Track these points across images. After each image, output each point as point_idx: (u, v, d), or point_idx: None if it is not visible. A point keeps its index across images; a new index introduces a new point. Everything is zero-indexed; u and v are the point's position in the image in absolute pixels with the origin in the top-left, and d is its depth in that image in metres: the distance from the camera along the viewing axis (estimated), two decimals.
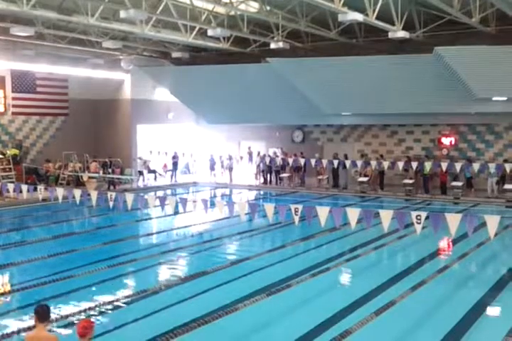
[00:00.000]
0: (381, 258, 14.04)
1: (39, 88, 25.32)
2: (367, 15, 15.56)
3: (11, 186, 14.73)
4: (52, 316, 8.82)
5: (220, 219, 17.18)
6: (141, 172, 26.08)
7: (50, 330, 6.90)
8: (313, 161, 22.80)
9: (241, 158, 27.14)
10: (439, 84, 20.41)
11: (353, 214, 10.31)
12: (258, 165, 27.20)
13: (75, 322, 8.78)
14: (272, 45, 20.76)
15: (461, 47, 18.75)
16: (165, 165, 28.32)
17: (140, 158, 26.23)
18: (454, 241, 14.46)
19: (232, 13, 19.15)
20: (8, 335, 8.22)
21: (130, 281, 11.75)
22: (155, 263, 12.69)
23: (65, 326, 8.57)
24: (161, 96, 28.46)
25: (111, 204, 12.83)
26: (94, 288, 10.58)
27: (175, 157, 27.32)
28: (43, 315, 5.67)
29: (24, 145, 24.81)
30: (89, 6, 16.73)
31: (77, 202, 13.49)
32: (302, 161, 23.49)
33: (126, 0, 15.28)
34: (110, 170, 25.18)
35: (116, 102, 27.77)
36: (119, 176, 25.33)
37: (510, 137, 23.55)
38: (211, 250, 14.10)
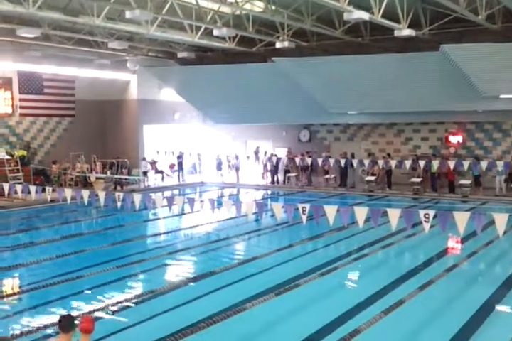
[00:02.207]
0: (389, 257, 14.00)
1: (46, 89, 25.40)
2: (372, 13, 15.51)
3: (19, 187, 14.78)
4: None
5: (227, 219, 17.19)
6: (145, 173, 26.09)
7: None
8: (320, 160, 22.77)
9: (248, 157, 27.16)
10: (445, 82, 20.33)
11: (361, 213, 10.28)
12: (265, 165, 27.20)
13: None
14: (278, 45, 20.73)
15: (468, 45, 18.67)
16: (171, 166, 28.34)
17: (144, 159, 26.26)
18: (463, 240, 14.40)
19: (238, 12, 19.13)
20: (17, 336, 8.24)
21: (138, 282, 11.75)
22: (163, 263, 12.71)
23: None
24: (167, 96, 28.51)
25: (119, 204, 12.87)
26: (102, 289, 10.58)
27: (180, 157, 27.36)
28: (65, 326, 5.51)
29: (32, 147, 24.90)
30: (94, 7, 16.76)
31: (85, 202, 13.52)
32: (309, 161, 23.46)
33: (131, 0, 15.29)
34: (119, 171, 25.17)
35: (122, 103, 27.83)
36: (127, 177, 25.39)
37: None
38: (219, 250, 14.10)
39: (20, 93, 24.40)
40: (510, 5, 16.09)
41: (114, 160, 25.50)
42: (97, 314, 9.19)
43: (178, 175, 27.68)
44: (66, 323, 5.54)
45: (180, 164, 27.64)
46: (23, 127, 24.76)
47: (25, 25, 18.51)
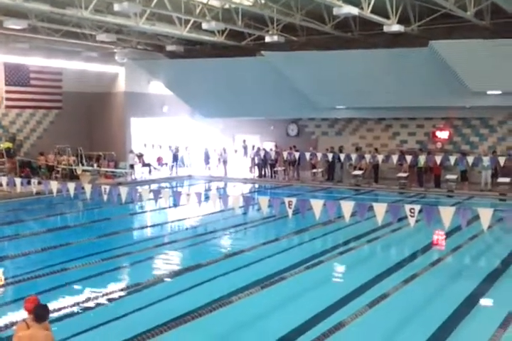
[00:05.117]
0: (375, 251, 14.07)
1: (33, 81, 25.21)
2: (362, 8, 15.55)
3: (4, 179, 14.68)
4: None
5: (214, 213, 17.19)
6: (132, 166, 26.03)
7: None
8: (307, 154, 22.84)
9: (236, 151, 27.13)
10: (433, 78, 20.42)
11: (347, 207, 10.34)
12: (253, 159, 27.22)
13: (69, 314, 8.82)
14: (267, 39, 20.70)
15: (456, 41, 18.76)
16: (159, 159, 28.30)
17: (132, 152, 26.18)
18: (448, 234, 14.52)
19: (227, 6, 19.06)
20: (1, 329, 8.21)
21: (124, 274, 11.75)
22: (149, 256, 12.69)
23: (59, 319, 8.56)
24: (155, 89, 28.40)
25: (105, 197, 12.82)
26: (87, 282, 10.56)
27: (175, 149, 27.36)
28: (42, 315, 5.57)
29: (18, 139, 24.72)
30: None
31: (72, 195, 13.46)
32: (297, 155, 23.49)
33: None
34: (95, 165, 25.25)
35: (110, 95, 27.69)
36: (113, 169, 25.31)
37: (504, 131, 23.62)
38: (205, 243, 14.11)
39: (6, 85, 24.20)
40: (498, 1, 16.17)
41: (100, 153, 25.40)
42: (82, 306, 9.20)
43: (172, 168, 27.64)
44: (42, 312, 5.56)
45: (175, 157, 27.61)
46: (9, 119, 24.58)
47: (13, 17, 18.31)
